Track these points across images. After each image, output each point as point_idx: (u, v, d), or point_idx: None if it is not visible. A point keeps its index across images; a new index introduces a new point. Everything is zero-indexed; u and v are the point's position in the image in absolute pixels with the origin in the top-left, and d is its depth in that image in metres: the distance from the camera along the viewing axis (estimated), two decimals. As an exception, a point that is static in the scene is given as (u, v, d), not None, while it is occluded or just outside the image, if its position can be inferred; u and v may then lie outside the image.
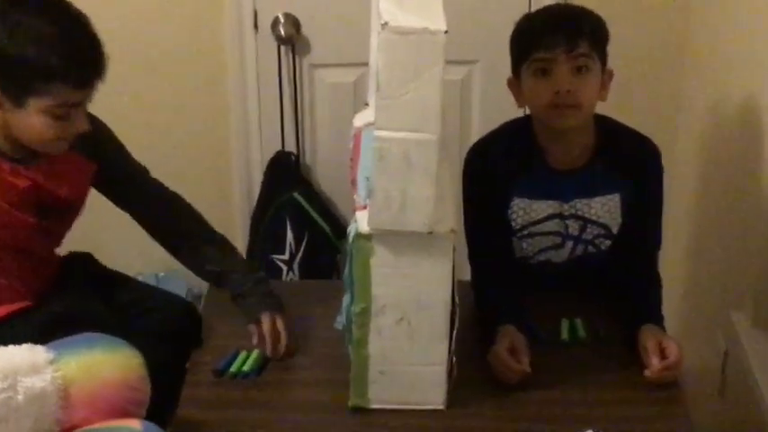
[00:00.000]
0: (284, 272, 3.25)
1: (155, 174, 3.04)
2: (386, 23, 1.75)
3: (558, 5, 2.54)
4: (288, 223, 3.24)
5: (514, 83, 2.26)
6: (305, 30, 3.18)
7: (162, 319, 2.34)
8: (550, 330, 2.24)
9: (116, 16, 3.12)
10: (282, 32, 3.16)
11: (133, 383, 1.79)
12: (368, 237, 1.90)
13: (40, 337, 1.84)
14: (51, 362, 1.74)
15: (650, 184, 2.29)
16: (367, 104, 2.30)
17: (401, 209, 1.86)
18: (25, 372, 1.69)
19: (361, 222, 1.91)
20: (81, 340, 1.81)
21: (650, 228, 2.32)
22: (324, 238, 3.28)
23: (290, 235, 3.24)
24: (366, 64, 2.22)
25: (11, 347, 1.74)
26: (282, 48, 3.18)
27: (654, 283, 2.29)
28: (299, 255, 3.24)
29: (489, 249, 2.28)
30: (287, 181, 3.28)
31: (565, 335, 2.23)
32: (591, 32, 2.17)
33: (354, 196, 2.00)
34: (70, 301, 2.20)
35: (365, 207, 1.92)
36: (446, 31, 1.75)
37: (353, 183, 2.06)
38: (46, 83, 1.86)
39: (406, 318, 1.96)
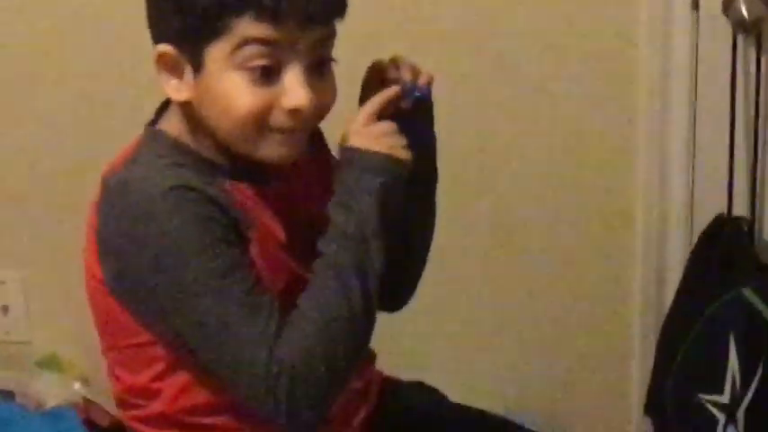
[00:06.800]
0: (720, 423, 2.28)
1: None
2: None
3: None
4: (731, 341, 2.26)
5: None
6: (784, 9, 2.19)
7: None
8: None
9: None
10: (744, 13, 2.20)
11: None
12: None
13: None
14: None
15: None
16: None
17: None
18: None
19: None
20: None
21: None
22: (793, 368, 2.27)
23: (733, 361, 2.26)
24: None
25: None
26: (740, 40, 2.21)
27: None
28: (748, 396, 2.27)
29: None
30: (732, 267, 2.30)
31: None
32: None
33: None
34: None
35: None
36: None
37: None
38: (234, 14, 1.41)
39: None
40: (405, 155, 1.47)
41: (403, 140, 1.49)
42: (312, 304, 1.43)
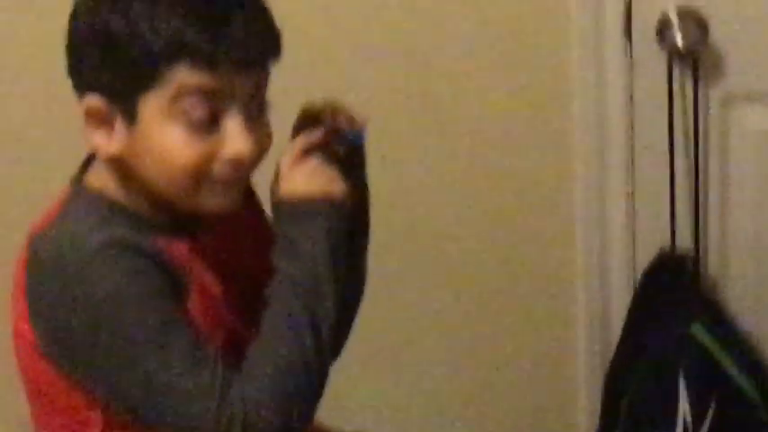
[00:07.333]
0: (675, 467, 2.15)
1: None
2: None
3: None
4: (680, 380, 2.16)
5: None
6: (715, 36, 2.12)
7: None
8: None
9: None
10: (678, 41, 2.12)
11: None
12: None
13: None
14: None
15: None
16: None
17: None
18: None
19: None
20: None
21: None
22: (744, 404, 2.23)
23: (683, 402, 2.17)
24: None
25: None
26: (676, 67, 2.13)
27: None
28: (701, 437, 2.18)
29: None
30: (678, 305, 2.20)
31: None
32: None
33: None
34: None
35: None
36: None
37: None
38: (168, 63, 1.35)
39: None
40: (339, 188, 1.41)
41: (334, 173, 1.41)
42: (264, 354, 1.38)
